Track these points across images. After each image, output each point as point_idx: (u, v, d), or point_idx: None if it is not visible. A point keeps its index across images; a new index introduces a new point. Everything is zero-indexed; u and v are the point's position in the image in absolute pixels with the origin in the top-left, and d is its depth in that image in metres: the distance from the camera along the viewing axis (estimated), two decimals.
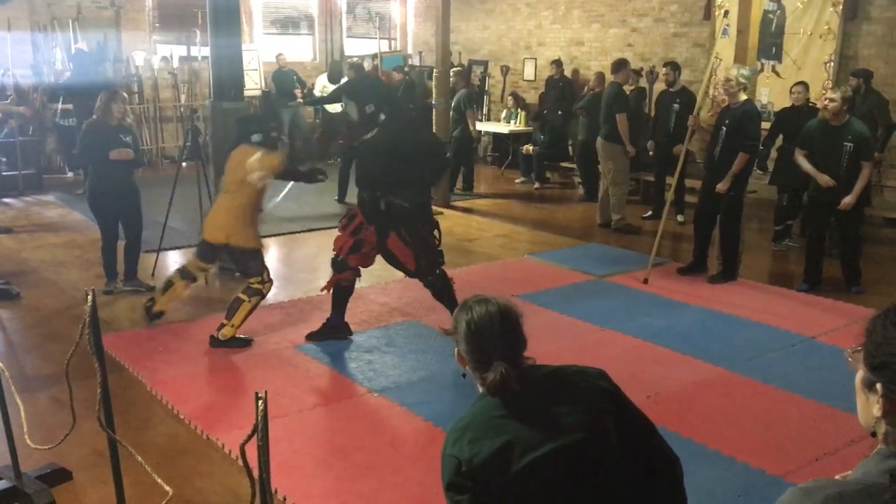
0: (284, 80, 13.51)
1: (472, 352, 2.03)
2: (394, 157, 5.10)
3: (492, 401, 2.00)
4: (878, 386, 1.30)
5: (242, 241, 5.25)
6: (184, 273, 5.54)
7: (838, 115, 6.30)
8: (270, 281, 5.40)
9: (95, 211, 6.43)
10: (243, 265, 5.41)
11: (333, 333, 5.50)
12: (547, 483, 1.91)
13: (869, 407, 1.34)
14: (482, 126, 13.37)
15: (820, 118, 6.44)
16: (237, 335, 5.33)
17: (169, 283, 5.56)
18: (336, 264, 5.37)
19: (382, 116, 5.28)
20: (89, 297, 2.72)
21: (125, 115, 6.31)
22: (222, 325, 5.29)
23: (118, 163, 6.16)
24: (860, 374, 1.36)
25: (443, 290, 5.46)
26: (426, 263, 5.31)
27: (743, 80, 6.55)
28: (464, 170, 11.09)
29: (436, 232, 5.39)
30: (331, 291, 5.46)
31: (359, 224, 5.32)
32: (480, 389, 2.04)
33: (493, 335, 2.01)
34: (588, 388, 2.00)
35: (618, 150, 8.90)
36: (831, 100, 6.30)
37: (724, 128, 6.65)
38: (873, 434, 1.35)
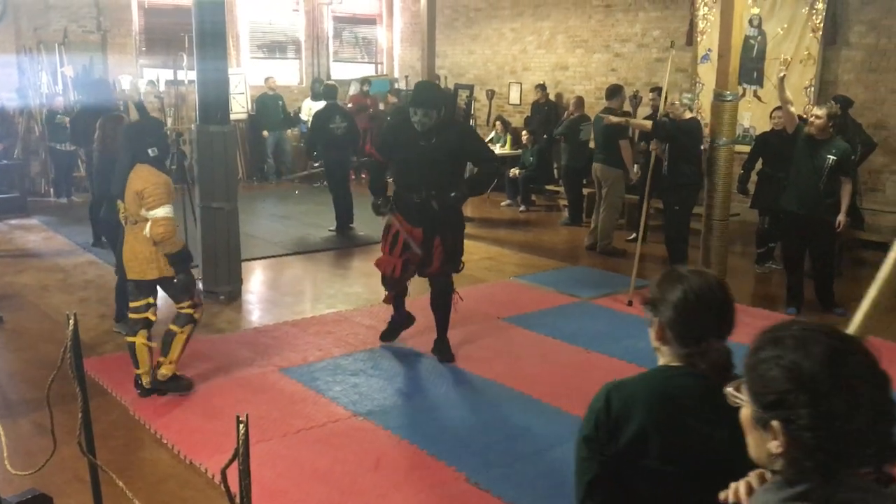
0: (269, 104, 13.56)
1: (683, 325, 1.86)
2: (453, 161, 5.35)
3: (673, 382, 1.88)
4: (775, 424, 1.29)
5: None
6: (133, 328, 4.88)
7: (823, 130, 6.43)
8: (202, 303, 5.01)
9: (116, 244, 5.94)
10: (173, 291, 4.89)
11: (404, 326, 5.92)
12: (665, 498, 1.84)
13: (763, 444, 1.33)
14: None
15: (805, 133, 6.56)
16: (177, 374, 4.93)
17: (132, 351, 4.87)
18: (388, 282, 5.59)
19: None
20: (71, 322, 2.71)
21: None
22: (159, 364, 4.84)
23: None
24: (747, 412, 1.36)
25: (443, 295, 5.59)
26: (449, 267, 5.54)
27: (687, 102, 6.98)
28: None
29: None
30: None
31: (402, 240, 5.43)
32: (661, 362, 1.94)
33: (713, 310, 1.86)
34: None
35: (617, 174, 8.97)
36: (817, 116, 6.46)
37: (666, 146, 7.06)
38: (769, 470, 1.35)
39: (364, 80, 14.04)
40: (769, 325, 1.40)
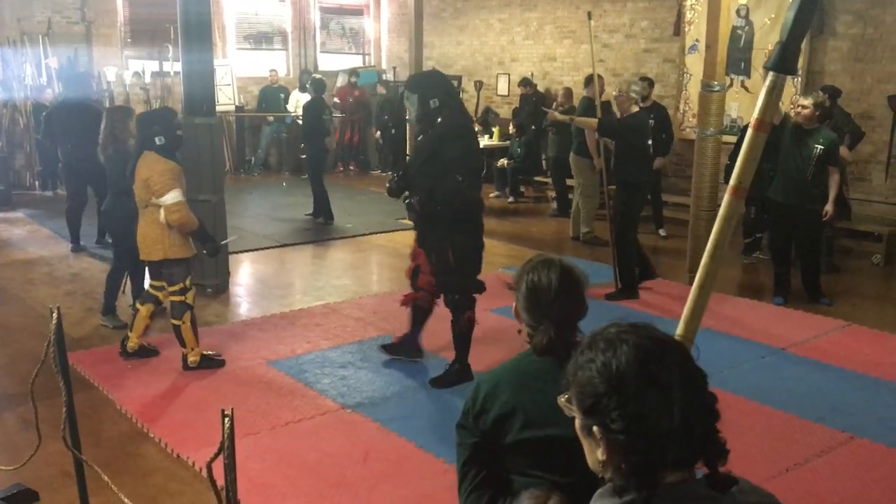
0: (271, 96, 13.56)
1: (528, 310, 2.12)
2: (439, 159, 4.75)
3: (529, 360, 2.09)
4: (595, 429, 1.27)
5: (179, 252, 5.03)
6: (145, 299, 5.27)
7: (811, 119, 6.44)
8: (192, 287, 5.16)
9: (123, 231, 5.86)
10: (169, 274, 5.08)
11: (406, 351, 5.35)
12: (533, 464, 1.99)
13: (593, 452, 1.31)
14: None
15: (793, 122, 6.56)
16: (206, 353, 5.24)
17: (134, 316, 5.28)
18: (413, 283, 5.22)
19: (439, 119, 4.82)
20: (54, 316, 2.69)
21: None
22: (185, 355, 5.17)
23: None
24: (577, 425, 1.34)
25: (452, 312, 4.96)
26: (442, 282, 4.94)
27: (634, 95, 6.83)
28: None
29: (458, 252, 4.85)
30: (409, 307, 5.28)
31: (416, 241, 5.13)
32: (528, 345, 2.15)
33: (550, 297, 2.08)
34: None
35: (587, 164, 9.00)
36: (804, 106, 6.48)
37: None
38: (602, 478, 1.32)
39: (352, 72, 14.00)
40: (595, 329, 1.37)
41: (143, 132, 5.02)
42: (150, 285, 5.27)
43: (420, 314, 5.28)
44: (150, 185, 4.86)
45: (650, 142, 6.96)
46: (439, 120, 4.82)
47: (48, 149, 11.14)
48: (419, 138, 4.94)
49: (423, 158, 4.86)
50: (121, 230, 5.89)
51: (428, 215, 4.83)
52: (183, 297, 5.07)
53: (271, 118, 13.58)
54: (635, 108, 6.81)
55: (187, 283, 5.11)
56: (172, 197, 4.85)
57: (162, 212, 4.87)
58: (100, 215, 6.26)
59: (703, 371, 1.31)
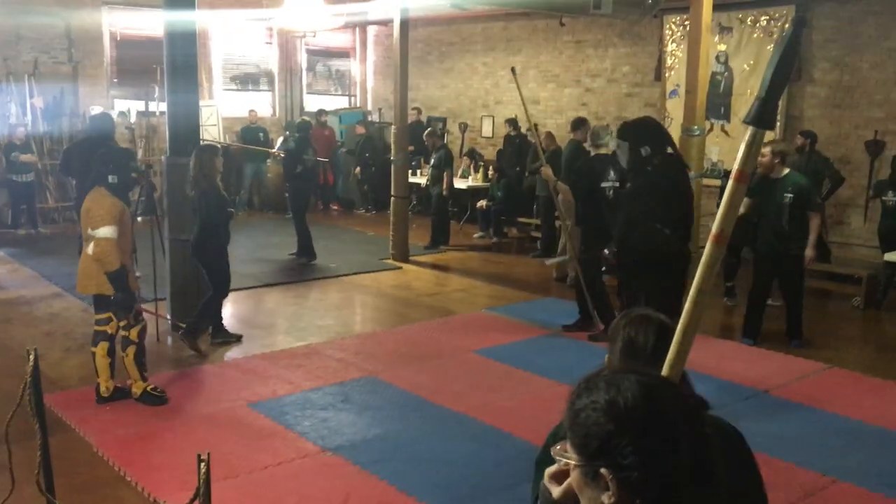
0: (251, 136, 13.64)
1: (622, 364, 2.08)
2: (639, 206, 4.95)
3: None
4: (604, 471, 1.24)
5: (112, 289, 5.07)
6: (94, 340, 5.19)
7: (772, 168, 6.48)
8: (140, 322, 5.25)
9: (217, 261, 6.37)
10: (113, 308, 5.16)
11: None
12: None
13: (596, 500, 1.27)
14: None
15: (759, 173, 6.57)
16: (148, 389, 5.22)
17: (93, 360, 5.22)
18: None
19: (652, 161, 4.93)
20: (31, 357, 2.66)
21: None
22: (130, 386, 5.25)
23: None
24: (576, 473, 1.31)
25: None
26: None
27: (602, 141, 6.99)
28: (435, 223, 11.16)
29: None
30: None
31: None
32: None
33: (646, 354, 2.05)
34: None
35: (571, 205, 9.06)
36: (762, 154, 6.41)
37: None
38: None
39: (320, 112, 14.17)
40: (582, 377, 1.39)
41: (99, 168, 5.18)
42: (96, 321, 5.21)
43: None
44: (90, 217, 5.01)
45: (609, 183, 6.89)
46: (649, 168, 4.89)
47: (18, 187, 11.13)
48: (626, 186, 5.11)
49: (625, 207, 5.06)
50: (211, 261, 6.28)
51: (625, 266, 4.94)
52: (127, 333, 5.16)
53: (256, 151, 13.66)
54: (602, 151, 6.89)
55: (131, 318, 5.18)
56: (103, 232, 4.96)
57: (91, 244, 5.00)
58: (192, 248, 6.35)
59: (698, 404, 1.35)
